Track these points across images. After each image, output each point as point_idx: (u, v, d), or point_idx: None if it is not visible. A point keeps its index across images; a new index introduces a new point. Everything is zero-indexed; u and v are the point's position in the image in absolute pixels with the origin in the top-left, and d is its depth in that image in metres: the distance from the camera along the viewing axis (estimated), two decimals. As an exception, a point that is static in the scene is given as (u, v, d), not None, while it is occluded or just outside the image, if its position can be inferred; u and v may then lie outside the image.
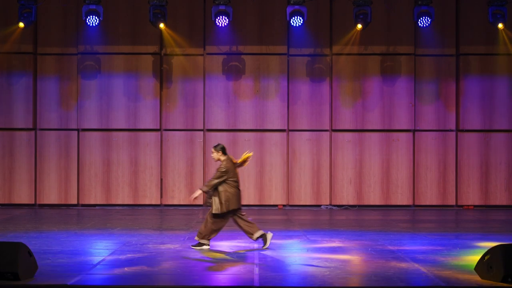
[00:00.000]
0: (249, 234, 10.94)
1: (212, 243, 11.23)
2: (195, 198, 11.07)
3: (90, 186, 17.55)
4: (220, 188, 10.72)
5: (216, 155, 10.88)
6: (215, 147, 10.95)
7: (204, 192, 10.81)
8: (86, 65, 17.56)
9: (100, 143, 17.56)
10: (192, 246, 10.96)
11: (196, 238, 10.94)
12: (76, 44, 17.54)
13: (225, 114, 17.61)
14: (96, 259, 10.02)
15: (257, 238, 10.91)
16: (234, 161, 10.98)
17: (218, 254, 10.49)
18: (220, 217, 10.79)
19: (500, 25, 16.51)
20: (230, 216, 10.89)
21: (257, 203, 17.62)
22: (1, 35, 17.30)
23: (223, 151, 10.90)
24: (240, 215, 10.92)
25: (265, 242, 10.91)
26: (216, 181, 10.71)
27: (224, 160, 10.85)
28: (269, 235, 10.95)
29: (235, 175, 10.88)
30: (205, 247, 10.86)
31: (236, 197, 10.82)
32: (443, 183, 17.65)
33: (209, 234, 10.86)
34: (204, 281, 8.60)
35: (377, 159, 17.62)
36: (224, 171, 10.73)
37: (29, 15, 16.26)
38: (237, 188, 10.87)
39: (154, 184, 17.57)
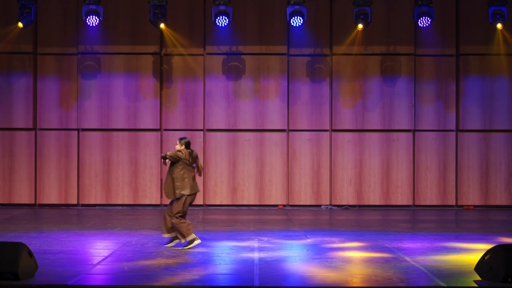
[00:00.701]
0: (164, 228, 11.09)
1: (212, 243, 11.22)
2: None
3: (90, 186, 17.54)
4: (174, 175, 10.98)
5: (179, 147, 11.14)
6: (180, 139, 11.23)
7: (162, 156, 11.16)
8: (86, 65, 17.56)
9: (100, 143, 17.56)
10: (185, 247, 10.91)
11: (181, 241, 10.95)
12: (76, 44, 17.54)
13: (225, 114, 17.60)
14: (96, 259, 10.03)
15: (166, 236, 11.11)
16: (191, 159, 11.15)
17: (218, 254, 10.48)
18: (178, 201, 10.96)
19: (499, 25, 16.49)
20: (188, 200, 11.01)
21: (257, 203, 17.62)
22: (1, 35, 17.29)
23: (186, 145, 11.17)
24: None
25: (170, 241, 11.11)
26: (170, 156, 10.98)
27: (184, 150, 11.09)
28: (173, 242, 11.08)
29: (186, 166, 11.03)
30: (196, 241, 10.89)
31: (188, 186, 11.02)
32: (443, 183, 17.64)
33: (188, 228, 10.89)
34: (204, 281, 8.60)
35: (377, 159, 17.61)
36: (179, 154, 10.98)
37: (29, 15, 16.25)
38: (190, 179, 11.02)
39: (154, 184, 17.56)
